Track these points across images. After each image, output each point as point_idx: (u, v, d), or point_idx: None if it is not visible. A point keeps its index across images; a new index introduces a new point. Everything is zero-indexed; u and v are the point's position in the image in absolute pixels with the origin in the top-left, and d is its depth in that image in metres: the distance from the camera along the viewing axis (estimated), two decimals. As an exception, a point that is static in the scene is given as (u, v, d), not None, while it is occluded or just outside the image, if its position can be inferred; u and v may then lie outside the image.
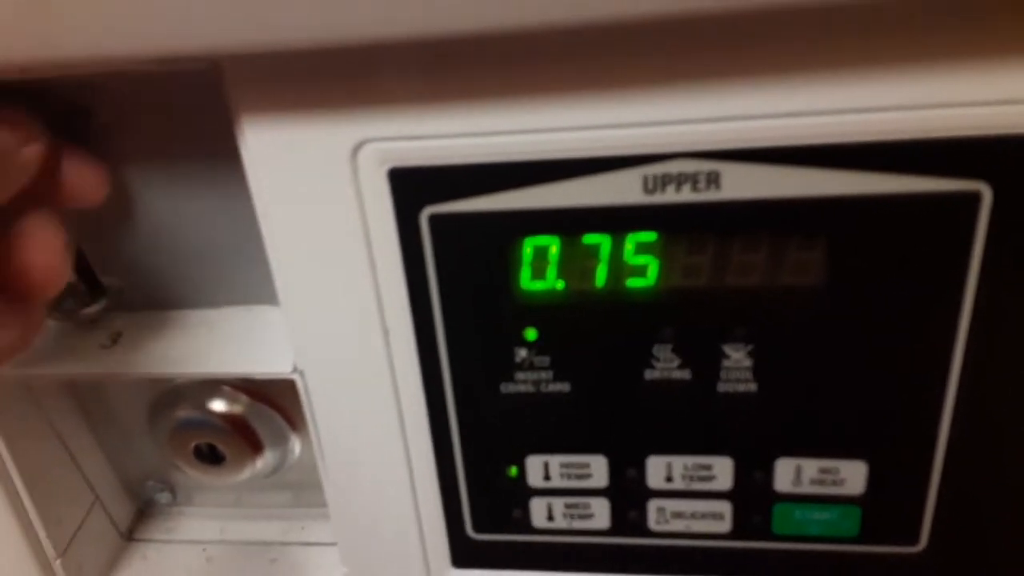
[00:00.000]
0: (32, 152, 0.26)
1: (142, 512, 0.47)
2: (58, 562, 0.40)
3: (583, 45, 0.24)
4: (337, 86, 0.26)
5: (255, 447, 0.41)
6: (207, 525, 0.45)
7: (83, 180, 0.29)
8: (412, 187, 0.27)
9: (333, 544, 0.42)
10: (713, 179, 0.25)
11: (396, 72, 0.25)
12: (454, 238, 0.28)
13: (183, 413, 0.40)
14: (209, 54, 0.25)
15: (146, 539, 0.45)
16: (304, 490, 0.44)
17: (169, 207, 0.33)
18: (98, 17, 0.23)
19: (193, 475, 0.42)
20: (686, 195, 0.26)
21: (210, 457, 0.41)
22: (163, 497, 0.46)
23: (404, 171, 0.27)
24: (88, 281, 0.36)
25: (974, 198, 0.24)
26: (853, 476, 0.30)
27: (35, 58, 0.23)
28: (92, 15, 0.23)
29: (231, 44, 0.23)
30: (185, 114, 0.31)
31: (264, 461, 0.41)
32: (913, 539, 0.31)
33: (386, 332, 0.30)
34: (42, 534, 0.39)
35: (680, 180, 0.26)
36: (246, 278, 0.35)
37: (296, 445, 0.42)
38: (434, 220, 0.27)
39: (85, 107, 0.32)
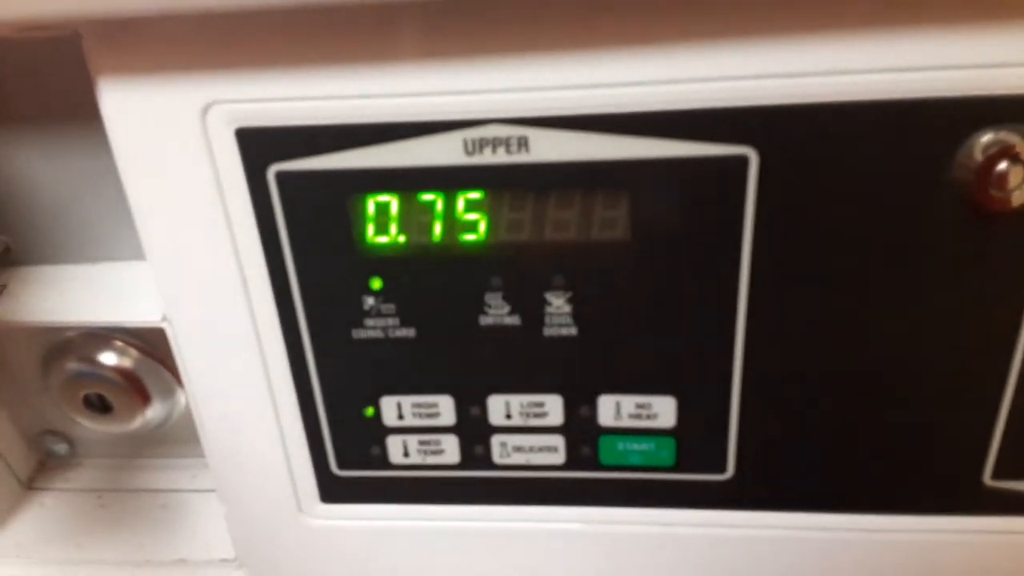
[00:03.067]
0: None
1: (42, 463, 0.49)
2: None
3: (407, 16, 0.27)
4: (187, 50, 0.28)
5: (144, 398, 0.43)
6: (103, 475, 0.48)
7: None
8: (259, 146, 0.30)
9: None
10: (523, 143, 0.29)
11: (241, 37, 0.28)
12: (301, 194, 0.30)
13: (73, 365, 0.42)
14: (66, 20, 0.27)
15: (44, 488, 0.47)
16: (194, 442, 0.46)
17: (45, 168, 0.35)
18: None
19: (85, 424, 0.44)
20: (501, 157, 0.29)
21: (100, 407, 0.43)
22: (61, 449, 0.48)
23: (251, 131, 0.29)
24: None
25: (743, 160, 0.28)
26: (665, 410, 0.33)
27: None
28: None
29: (86, 10, 0.26)
30: (56, 78, 0.33)
31: (152, 412, 0.44)
32: (721, 467, 0.34)
33: (244, 282, 0.32)
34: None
35: (495, 143, 0.29)
36: (121, 235, 0.37)
37: (183, 397, 0.44)
38: (281, 177, 0.30)
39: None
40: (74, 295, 0.37)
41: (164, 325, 0.34)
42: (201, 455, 0.47)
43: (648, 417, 0.33)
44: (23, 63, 0.33)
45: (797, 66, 0.27)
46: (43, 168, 0.36)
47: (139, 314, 0.35)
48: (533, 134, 0.28)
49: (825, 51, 0.26)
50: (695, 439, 0.34)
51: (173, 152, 0.30)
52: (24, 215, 0.37)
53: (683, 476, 0.35)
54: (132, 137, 0.30)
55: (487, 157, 0.29)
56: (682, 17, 0.26)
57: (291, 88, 0.29)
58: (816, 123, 0.27)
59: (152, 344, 0.42)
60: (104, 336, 0.42)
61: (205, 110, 0.29)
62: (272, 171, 0.30)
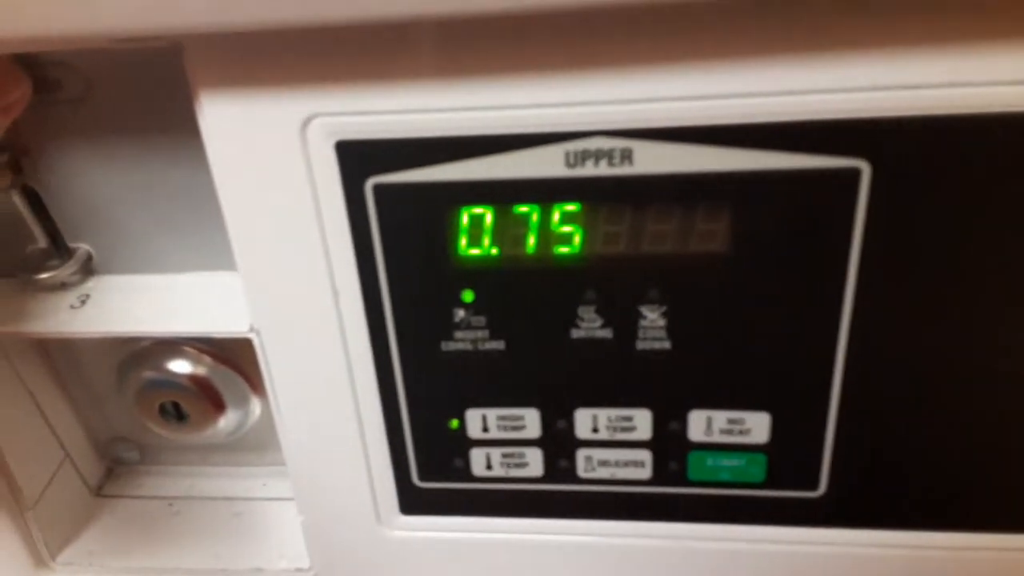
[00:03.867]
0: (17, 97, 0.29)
1: (111, 470, 0.49)
2: (29, 514, 0.42)
3: (512, 31, 0.27)
4: (288, 64, 0.28)
5: (218, 407, 0.43)
6: (174, 482, 0.48)
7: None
8: (358, 159, 0.30)
9: (292, 499, 0.45)
10: (626, 155, 0.28)
11: (343, 51, 0.28)
12: (397, 206, 0.30)
13: (149, 373, 0.42)
14: (169, 33, 0.27)
15: (115, 495, 0.48)
16: (265, 449, 0.47)
17: (135, 177, 0.36)
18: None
19: (159, 433, 0.44)
20: (603, 169, 0.29)
21: (175, 416, 0.43)
22: (131, 456, 0.48)
23: (350, 144, 0.29)
24: (58, 246, 0.38)
25: (855, 173, 0.27)
26: (758, 426, 0.33)
27: (7, 35, 0.26)
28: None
29: (190, 23, 0.26)
30: (150, 89, 0.33)
31: (226, 420, 0.44)
32: (813, 484, 0.34)
33: (336, 294, 0.32)
34: (15, 487, 0.41)
35: (597, 156, 0.28)
36: (207, 245, 0.37)
37: (257, 406, 0.44)
38: (378, 189, 0.30)
39: (54, 79, 0.34)
40: (158, 305, 0.37)
41: (251, 336, 0.34)
42: (272, 463, 0.47)
43: (741, 433, 0.33)
44: (116, 73, 0.33)
45: (912, 78, 0.26)
46: (130, 178, 0.36)
47: (225, 324, 0.35)
48: (637, 146, 0.28)
49: (942, 63, 0.26)
50: (787, 455, 0.33)
51: (271, 164, 0.30)
52: (109, 224, 0.37)
53: (774, 493, 0.34)
54: (230, 149, 0.30)
55: (588, 169, 0.29)
56: (791, 28, 0.26)
57: (392, 101, 0.28)
58: (933, 135, 0.27)
59: (227, 352, 0.42)
60: (179, 344, 0.42)
61: (305, 123, 0.29)
62: (370, 183, 0.30)
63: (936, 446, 0.32)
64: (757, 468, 0.34)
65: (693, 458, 0.34)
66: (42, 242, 0.38)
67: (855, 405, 0.32)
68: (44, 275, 0.37)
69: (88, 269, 0.38)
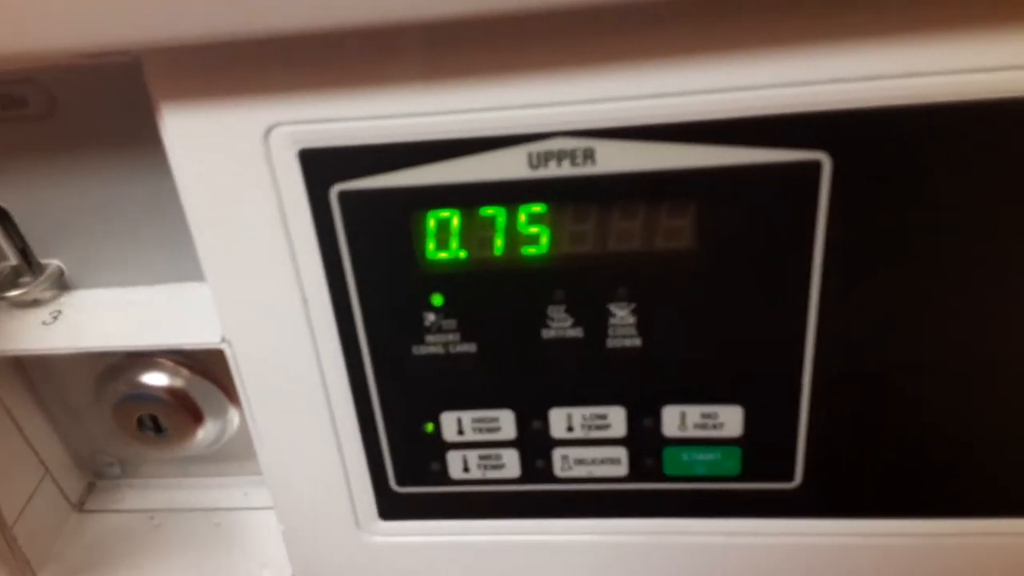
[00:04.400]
0: None
1: (92, 485, 0.49)
2: (11, 531, 0.42)
3: (469, 34, 0.27)
4: (248, 74, 0.28)
5: (196, 418, 0.43)
6: (155, 495, 0.48)
7: None
8: (321, 166, 0.29)
9: (272, 508, 0.45)
10: (588, 155, 0.28)
11: (302, 60, 0.28)
12: (362, 213, 0.30)
13: (125, 387, 0.42)
14: (127, 47, 0.27)
15: (97, 510, 0.48)
16: (245, 459, 0.47)
17: (102, 191, 0.36)
18: (30, 14, 0.25)
19: (138, 447, 0.44)
20: (566, 169, 0.29)
21: (153, 429, 0.43)
22: (112, 470, 0.48)
23: (313, 152, 0.29)
24: (29, 263, 0.38)
25: (816, 166, 0.28)
26: (731, 420, 0.33)
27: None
28: (24, 12, 0.25)
29: (147, 37, 0.26)
30: (114, 103, 0.33)
31: (205, 432, 0.44)
32: (789, 476, 0.34)
33: (305, 301, 0.32)
34: (-7, 504, 0.41)
35: (560, 156, 0.28)
36: (177, 256, 0.37)
37: (235, 416, 0.44)
38: (343, 196, 0.30)
39: (19, 96, 0.34)
40: (130, 318, 0.37)
41: (223, 347, 0.34)
42: (252, 472, 0.47)
43: (714, 427, 0.33)
44: (78, 87, 0.33)
45: (868, 70, 0.26)
46: (96, 191, 0.36)
47: (197, 336, 0.35)
48: (600, 146, 0.28)
49: (897, 54, 0.26)
50: (762, 448, 0.33)
51: (235, 174, 0.30)
52: (78, 238, 0.37)
53: (750, 485, 0.34)
54: (193, 160, 0.30)
55: (552, 170, 0.29)
56: (746, 25, 0.26)
57: (353, 108, 0.28)
58: (891, 126, 0.27)
59: (203, 363, 0.42)
60: (155, 357, 0.42)
61: (267, 132, 0.29)
62: (334, 191, 0.30)
63: (908, 434, 0.33)
64: (732, 461, 0.34)
65: (668, 453, 0.34)
66: (12, 259, 0.38)
67: (826, 395, 0.32)
68: (15, 292, 0.37)
69: (60, 284, 0.38)
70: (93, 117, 0.34)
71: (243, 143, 0.29)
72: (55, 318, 0.38)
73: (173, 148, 0.30)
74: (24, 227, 0.37)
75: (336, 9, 0.25)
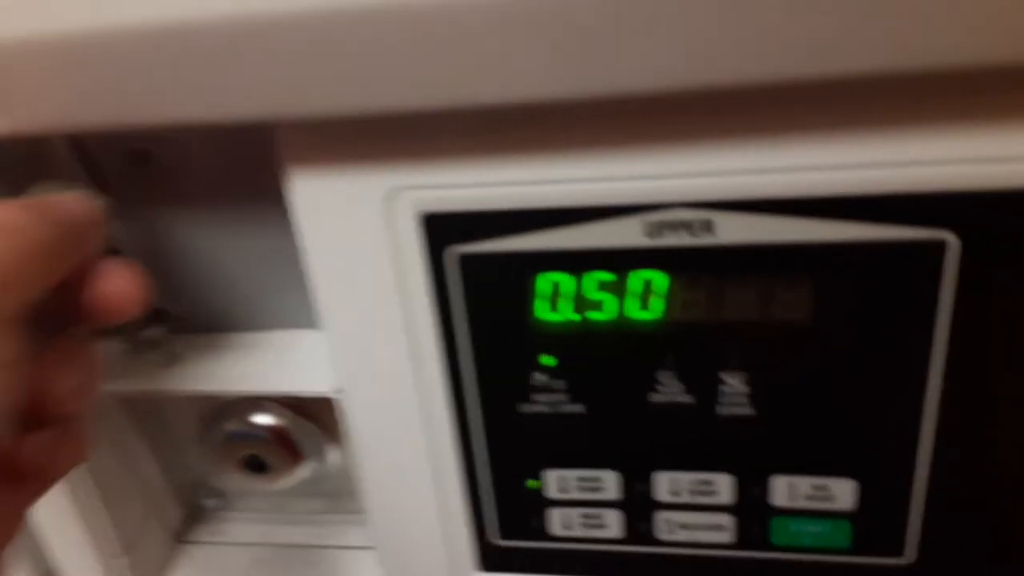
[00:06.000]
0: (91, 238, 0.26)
1: (192, 516, 0.50)
2: (121, 560, 0.44)
3: (588, 110, 0.27)
4: (372, 141, 0.29)
5: (296, 457, 0.44)
6: (251, 528, 0.49)
7: (119, 289, 0.27)
8: (440, 230, 0.30)
9: (369, 548, 0.46)
10: (706, 226, 0.28)
11: (425, 131, 0.29)
12: (477, 275, 0.31)
13: (231, 426, 0.44)
14: (266, 120, 0.28)
15: (197, 541, 0.49)
16: (340, 497, 0.48)
17: (221, 242, 0.37)
18: (171, 91, 0.26)
19: (240, 483, 0.46)
20: (684, 239, 0.29)
21: (255, 466, 0.44)
22: (212, 503, 0.50)
23: (433, 216, 0.30)
24: (149, 306, 0.39)
25: (940, 245, 0.27)
26: (842, 493, 0.32)
27: (121, 121, 0.27)
28: (166, 88, 0.26)
29: (288, 111, 0.27)
30: (237, 158, 0.35)
31: (304, 470, 0.45)
32: (900, 551, 0.33)
33: (418, 357, 0.33)
34: (106, 535, 0.43)
35: (677, 226, 0.29)
36: (289, 305, 0.38)
37: (334, 456, 0.45)
38: (460, 259, 0.31)
39: (148, 152, 0.35)
40: (243, 363, 0.38)
41: (336, 396, 0.35)
42: (346, 511, 0.48)
43: (825, 499, 0.32)
44: (206, 144, 0.35)
45: (996, 152, 0.26)
46: (217, 241, 0.37)
47: (310, 384, 0.36)
48: (718, 217, 0.28)
49: (1036, 134, 0.25)
50: (873, 522, 0.33)
51: (356, 234, 0.31)
52: (197, 284, 0.39)
53: (859, 559, 0.33)
54: (318, 219, 0.31)
55: (668, 239, 0.29)
56: (872, 102, 0.26)
57: (473, 175, 0.29)
58: (1019, 208, 0.26)
59: (305, 404, 0.44)
60: (260, 398, 0.43)
61: (389, 196, 0.30)
62: (451, 253, 0.31)
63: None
64: (842, 534, 0.33)
65: (776, 523, 0.34)
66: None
67: (943, 473, 0.31)
68: (135, 335, 0.39)
69: (178, 328, 0.40)
70: (217, 171, 0.35)
71: (366, 205, 0.30)
72: (172, 361, 0.39)
73: (299, 207, 0.31)
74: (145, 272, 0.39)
75: (462, 93, 0.26)
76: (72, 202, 0.25)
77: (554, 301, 0.31)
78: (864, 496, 0.32)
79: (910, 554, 0.33)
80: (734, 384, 0.31)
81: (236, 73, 0.25)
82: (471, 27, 0.24)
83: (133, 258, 0.35)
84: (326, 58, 0.25)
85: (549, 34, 0.24)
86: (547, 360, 0.32)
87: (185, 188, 0.36)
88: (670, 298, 0.30)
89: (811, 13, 0.23)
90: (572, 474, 0.35)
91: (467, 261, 0.31)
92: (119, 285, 0.27)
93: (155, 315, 0.40)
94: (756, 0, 0.23)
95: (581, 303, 0.31)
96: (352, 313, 0.33)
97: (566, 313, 0.31)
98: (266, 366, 0.38)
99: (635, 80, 0.24)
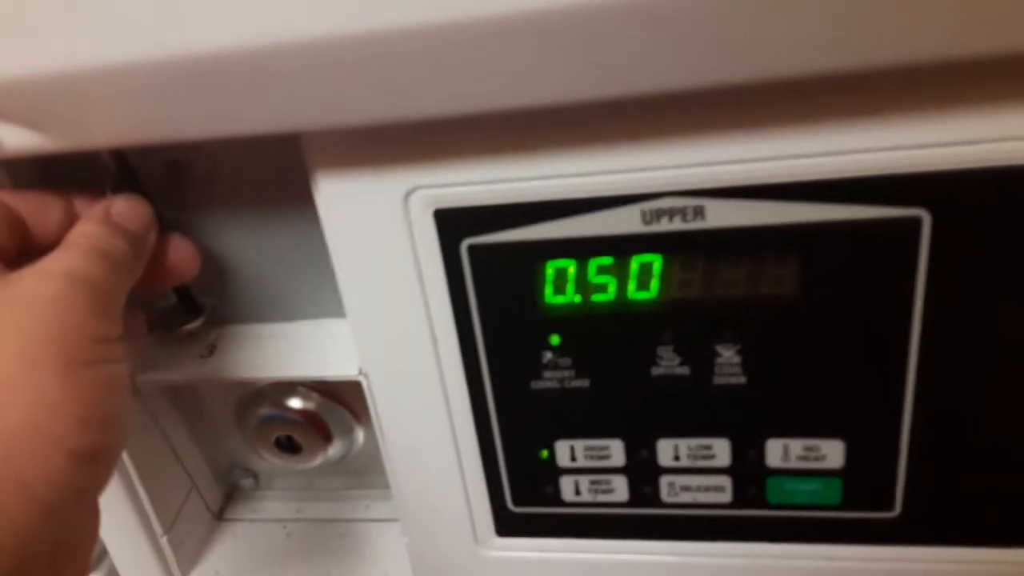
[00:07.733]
0: (153, 237, 0.35)
1: (229, 495, 0.54)
2: (164, 539, 0.47)
3: (587, 110, 0.30)
4: (392, 146, 0.32)
5: (326, 438, 0.47)
6: (285, 506, 0.52)
7: (181, 258, 0.37)
8: (453, 224, 0.33)
9: (393, 520, 0.49)
10: (698, 212, 0.31)
11: (438, 133, 0.31)
12: (489, 263, 0.34)
13: (265, 410, 0.47)
14: (295, 130, 0.31)
15: (234, 519, 0.53)
16: (367, 474, 0.51)
17: (252, 241, 0.40)
18: (203, 106, 0.29)
19: (273, 463, 0.49)
20: (677, 225, 0.31)
21: (288, 447, 0.48)
22: (247, 483, 0.53)
23: (447, 211, 0.33)
24: (188, 301, 0.42)
25: (916, 221, 0.30)
26: (832, 452, 0.35)
27: (165, 137, 0.30)
28: (199, 104, 0.29)
29: (315, 124, 0.30)
30: (268, 164, 0.37)
31: (334, 449, 0.48)
32: (888, 505, 0.36)
33: (435, 341, 0.36)
34: (151, 515, 0.46)
35: (671, 213, 0.31)
36: (317, 296, 0.41)
37: (360, 435, 0.49)
38: (472, 249, 0.33)
39: (186, 160, 0.38)
40: (277, 352, 0.41)
41: (361, 379, 0.38)
42: (373, 487, 0.51)
43: (816, 459, 0.35)
44: (238, 153, 0.38)
45: (966, 135, 0.28)
46: (250, 239, 0.40)
47: (337, 369, 0.39)
48: (709, 203, 0.31)
49: (994, 121, 0.27)
50: (862, 479, 0.35)
51: (377, 230, 0.34)
52: (232, 280, 0.42)
53: (850, 514, 0.36)
54: (342, 217, 0.34)
55: (663, 225, 0.32)
56: (851, 94, 0.28)
57: (483, 173, 0.32)
58: (990, 186, 0.28)
59: (334, 388, 0.47)
60: (291, 383, 0.47)
61: (407, 195, 0.33)
62: (464, 244, 0.33)
63: (1005, 465, 0.34)
64: (833, 491, 0.36)
65: (771, 483, 0.36)
66: (173, 298, 0.43)
67: (926, 430, 0.34)
68: (176, 329, 0.42)
69: (214, 320, 0.43)
70: (249, 176, 0.38)
71: (385, 204, 0.33)
72: (211, 351, 0.42)
73: (325, 207, 0.34)
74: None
75: (475, 102, 0.28)
76: (138, 206, 0.34)
77: (560, 285, 0.34)
78: (853, 455, 0.35)
79: (898, 507, 0.36)
80: (728, 355, 0.34)
81: (267, 93, 0.28)
82: (482, 40, 0.26)
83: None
84: (346, 78, 0.27)
85: (556, 45, 0.26)
86: (555, 340, 0.35)
87: (218, 192, 0.39)
88: (666, 279, 0.33)
89: (792, 13, 0.24)
90: (580, 444, 0.37)
91: (480, 252, 0.34)
92: (183, 253, 0.37)
93: (193, 309, 0.43)
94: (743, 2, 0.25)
95: (585, 286, 0.34)
96: (375, 302, 0.36)
97: (571, 296, 0.34)
98: (296, 353, 0.41)
99: (633, 82, 0.27)
